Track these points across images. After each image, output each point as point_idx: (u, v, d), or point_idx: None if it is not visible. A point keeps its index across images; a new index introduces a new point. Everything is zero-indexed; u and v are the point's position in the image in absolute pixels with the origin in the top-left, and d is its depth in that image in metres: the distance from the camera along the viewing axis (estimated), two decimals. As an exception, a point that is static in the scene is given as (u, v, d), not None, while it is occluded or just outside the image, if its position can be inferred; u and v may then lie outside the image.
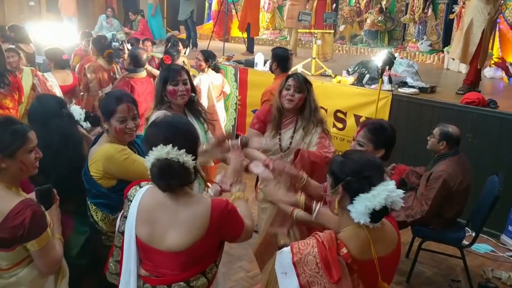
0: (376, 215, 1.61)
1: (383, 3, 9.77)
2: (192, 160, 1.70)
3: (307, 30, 7.38)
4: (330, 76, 6.05)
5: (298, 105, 2.94)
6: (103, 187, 2.25)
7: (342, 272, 1.57)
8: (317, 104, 3.01)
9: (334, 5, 8.96)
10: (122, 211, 1.88)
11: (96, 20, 10.77)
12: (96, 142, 2.35)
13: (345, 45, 10.32)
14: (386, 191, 1.59)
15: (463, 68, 7.45)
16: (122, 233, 1.84)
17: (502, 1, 5.19)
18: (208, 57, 4.90)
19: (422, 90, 5.27)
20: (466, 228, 3.78)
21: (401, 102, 5.09)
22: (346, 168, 1.68)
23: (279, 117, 2.98)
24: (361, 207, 1.61)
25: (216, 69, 5.02)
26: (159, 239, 1.72)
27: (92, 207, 2.34)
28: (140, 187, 1.83)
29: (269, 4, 11.24)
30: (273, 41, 11.06)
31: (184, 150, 1.68)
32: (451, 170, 3.47)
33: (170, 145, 1.66)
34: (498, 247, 4.34)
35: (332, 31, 8.07)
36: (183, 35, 10.06)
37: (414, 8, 9.35)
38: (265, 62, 6.55)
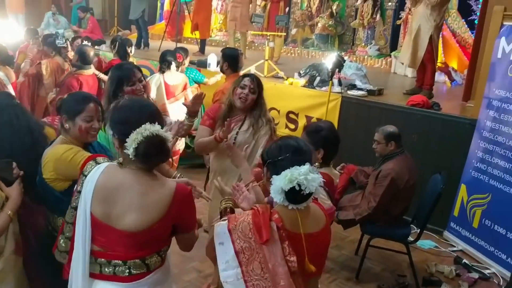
0: (291, 196, 1.71)
1: (334, 8, 9.98)
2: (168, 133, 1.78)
3: (260, 32, 7.46)
4: (283, 78, 6.13)
5: (249, 106, 2.97)
6: (56, 190, 2.15)
7: (271, 235, 1.67)
8: (266, 106, 3.08)
9: (287, 8, 9.10)
10: (75, 186, 1.86)
11: (42, 18, 10.40)
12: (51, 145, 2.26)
13: (296, 49, 10.47)
14: (293, 174, 1.68)
15: (409, 72, 7.77)
16: (75, 208, 1.82)
17: (446, 8, 5.41)
18: (160, 57, 4.83)
19: (370, 92, 5.43)
20: (411, 225, 3.92)
21: (350, 104, 5.22)
22: (269, 152, 1.84)
23: (228, 114, 2.99)
24: (274, 186, 1.73)
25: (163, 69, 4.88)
26: (116, 218, 1.73)
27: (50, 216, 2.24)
28: (97, 162, 1.83)
29: (221, 5, 11.24)
30: (226, 43, 11.01)
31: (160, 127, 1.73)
32: (398, 169, 3.60)
33: (156, 123, 1.71)
34: (441, 243, 4.53)
35: (284, 33, 8.16)
36: (133, 35, 9.90)
37: (363, 13, 9.61)
38: (218, 63, 6.56)
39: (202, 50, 8.65)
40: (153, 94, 4.59)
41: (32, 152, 2.23)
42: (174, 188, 1.77)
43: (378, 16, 9.46)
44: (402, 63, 6.07)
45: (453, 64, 7.75)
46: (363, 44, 9.75)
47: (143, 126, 1.68)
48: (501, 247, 4.04)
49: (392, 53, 8.74)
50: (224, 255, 1.72)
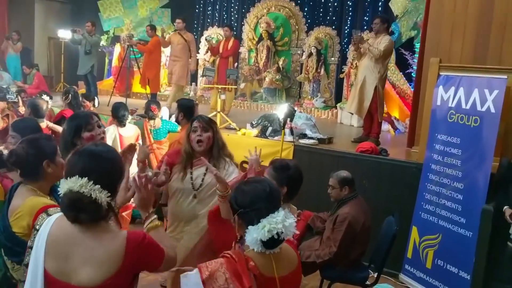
0: (269, 243, 1.72)
1: (280, 63, 10.38)
2: (107, 196, 1.64)
3: (212, 86, 7.61)
4: (235, 129, 6.23)
5: (207, 146, 3.00)
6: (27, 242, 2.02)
7: (251, 281, 1.65)
8: (224, 141, 3.13)
9: (236, 63, 9.36)
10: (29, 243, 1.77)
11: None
12: (13, 195, 2.14)
13: (246, 102, 10.70)
14: (271, 224, 1.69)
15: (355, 122, 8.12)
16: (27, 265, 1.72)
17: (389, 61, 5.80)
18: (113, 109, 4.82)
19: (320, 141, 5.62)
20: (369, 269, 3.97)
21: (302, 152, 5.36)
22: (238, 200, 1.81)
23: (188, 159, 3.01)
24: (250, 237, 1.72)
25: (120, 121, 4.90)
26: (69, 273, 1.63)
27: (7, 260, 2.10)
28: (48, 214, 1.77)
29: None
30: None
31: (100, 185, 1.62)
32: (354, 212, 3.69)
33: (86, 178, 1.61)
34: (398, 286, 4.60)
35: (235, 86, 8.37)
36: (82, 90, 9.79)
37: (308, 68, 10.07)
38: (170, 116, 6.59)
39: (152, 104, 8.67)
40: None
41: None
42: (125, 239, 1.66)
43: (322, 70, 9.94)
44: (350, 113, 6.33)
45: (395, 113, 8.17)
46: (310, 96, 10.13)
47: (74, 178, 1.62)
48: (454, 286, 4.15)
49: (338, 105, 9.13)
50: None
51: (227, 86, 7.49)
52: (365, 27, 9.65)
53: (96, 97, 7.17)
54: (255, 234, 1.69)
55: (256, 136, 5.84)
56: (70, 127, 2.61)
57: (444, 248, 4.28)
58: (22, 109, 4.86)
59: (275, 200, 1.78)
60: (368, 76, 5.63)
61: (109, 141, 4.56)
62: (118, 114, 4.72)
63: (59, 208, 1.77)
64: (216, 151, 3.03)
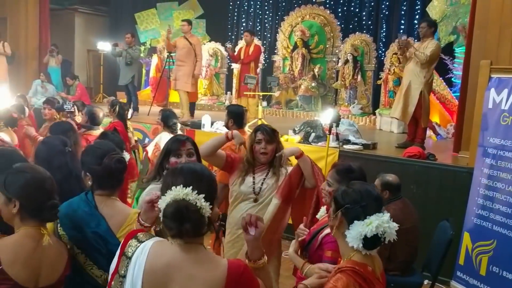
0: (369, 242, 1.74)
1: (316, 70, 10.39)
2: (210, 207, 1.59)
3: (253, 93, 7.64)
4: (277, 135, 6.25)
5: (271, 157, 3.06)
6: None
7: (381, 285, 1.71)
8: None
9: (257, 69, 9.34)
10: (114, 268, 1.68)
11: (27, 86, 10.47)
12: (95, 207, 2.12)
13: (281, 110, 10.74)
14: (378, 221, 1.74)
15: (395, 128, 8.03)
16: None
17: (435, 66, 5.73)
18: (165, 118, 4.89)
19: (365, 146, 5.59)
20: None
21: (347, 158, 5.32)
22: (347, 197, 1.83)
23: (250, 167, 3.06)
24: (355, 232, 1.75)
25: (172, 130, 4.94)
26: None
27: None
28: (139, 241, 1.65)
29: (206, 71, 11.56)
30: (212, 106, 11.30)
31: (203, 196, 1.58)
32: (393, 213, 3.62)
33: (190, 188, 1.57)
34: (449, 293, 4.51)
35: (276, 94, 8.33)
36: (122, 100, 10.01)
37: (344, 75, 10.04)
38: (211, 124, 6.69)
39: (191, 113, 8.78)
40: None
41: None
42: (226, 269, 1.58)
43: (359, 77, 9.88)
44: (395, 118, 6.27)
45: (436, 119, 8.05)
46: (346, 103, 10.09)
47: (177, 187, 1.57)
48: (511, 293, 4.04)
49: (377, 111, 9.06)
50: None
51: (269, 93, 7.51)
52: (401, 32, 9.57)
53: (130, 108, 7.28)
54: (360, 229, 1.73)
55: (299, 142, 5.84)
56: (163, 149, 2.67)
57: (499, 254, 4.17)
58: (78, 118, 5.01)
59: (380, 201, 1.83)
60: (413, 81, 5.57)
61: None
62: (170, 123, 4.79)
63: (148, 233, 1.71)
64: (277, 162, 3.08)
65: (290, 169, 3.12)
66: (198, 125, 6.74)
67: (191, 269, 1.56)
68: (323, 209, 2.52)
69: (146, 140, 7.01)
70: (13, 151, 2.63)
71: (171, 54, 9.12)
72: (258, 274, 1.71)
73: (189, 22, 8.21)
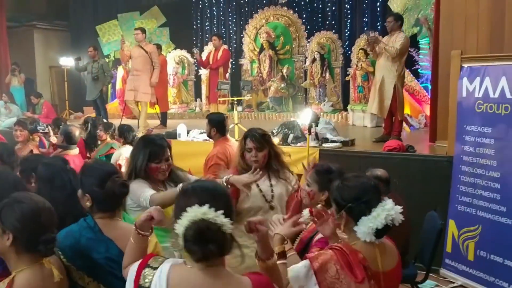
0: (380, 232, 1.77)
1: (284, 71, 10.42)
2: (230, 223, 1.52)
3: (228, 98, 7.57)
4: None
5: (264, 162, 2.99)
6: None
7: (364, 272, 1.69)
8: (279, 151, 3.10)
9: (227, 74, 9.28)
10: None
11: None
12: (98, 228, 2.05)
13: (253, 113, 10.72)
14: (385, 211, 1.76)
15: (368, 123, 8.16)
16: None
17: (405, 59, 5.82)
18: (123, 131, 4.81)
19: (344, 143, 5.63)
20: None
21: (328, 156, 5.35)
22: (345, 196, 1.84)
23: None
24: (365, 227, 1.77)
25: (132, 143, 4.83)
26: None
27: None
28: (153, 268, 1.57)
29: (174, 79, 11.45)
30: (182, 114, 11.20)
31: (222, 212, 1.50)
32: None
33: (207, 205, 1.50)
34: (440, 281, 4.58)
35: (248, 97, 8.31)
36: (86, 117, 9.78)
37: (312, 73, 10.11)
38: (187, 132, 6.60)
39: (164, 123, 8.68)
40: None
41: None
42: (250, 286, 1.56)
43: (327, 74, 9.97)
44: (374, 113, 6.35)
45: (407, 110, 8.19)
46: (317, 102, 10.16)
47: (193, 207, 1.50)
48: (500, 276, 4.13)
49: (348, 107, 9.16)
50: None
51: (242, 98, 7.49)
52: (365, 28, 9.71)
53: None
54: (370, 224, 1.74)
55: (278, 144, 5.81)
56: (145, 153, 2.68)
57: (486, 239, 4.27)
58: (53, 139, 4.85)
59: (379, 191, 1.85)
60: (386, 75, 5.66)
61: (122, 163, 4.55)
62: (129, 137, 4.72)
63: (157, 258, 1.65)
64: (275, 163, 3.02)
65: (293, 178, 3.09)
66: (173, 135, 6.63)
67: None
68: (306, 212, 2.40)
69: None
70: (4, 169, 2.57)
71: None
72: (270, 275, 1.69)
73: (143, 30, 7.92)
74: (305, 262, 1.73)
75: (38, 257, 1.80)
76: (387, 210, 1.76)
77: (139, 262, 1.63)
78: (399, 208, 1.80)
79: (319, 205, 2.21)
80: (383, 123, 6.28)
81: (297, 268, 1.73)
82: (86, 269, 1.98)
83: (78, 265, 1.97)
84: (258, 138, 2.98)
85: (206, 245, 1.47)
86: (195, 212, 1.47)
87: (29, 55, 12.60)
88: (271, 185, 3.00)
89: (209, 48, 11.10)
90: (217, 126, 4.14)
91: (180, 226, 1.49)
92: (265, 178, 2.99)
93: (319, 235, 2.17)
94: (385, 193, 3.69)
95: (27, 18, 12.65)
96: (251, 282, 1.56)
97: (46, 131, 4.88)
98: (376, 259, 1.76)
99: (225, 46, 9.08)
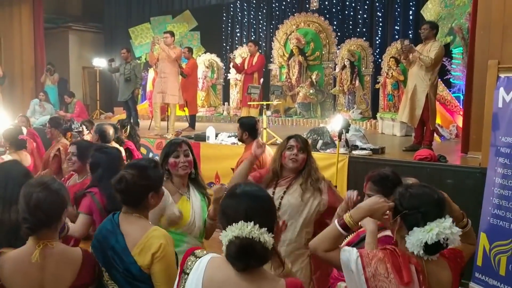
0: (430, 248, 1.71)
1: (313, 77, 10.41)
2: (272, 237, 1.57)
3: (256, 102, 7.62)
4: (283, 144, 6.23)
5: (301, 166, 2.98)
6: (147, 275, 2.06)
7: (412, 277, 1.66)
8: (316, 165, 3.06)
9: (261, 79, 9.33)
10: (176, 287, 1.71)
11: (23, 106, 10.41)
12: (118, 226, 2.12)
13: (280, 118, 10.74)
14: (439, 228, 1.70)
15: (397, 131, 8.06)
16: None
17: (439, 68, 5.74)
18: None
19: (374, 151, 5.59)
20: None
21: (357, 163, 5.33)
22: (404, 202, 1.79)
23: (274, 178, 3.00)
24: (414, 239, 1.72)
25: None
26: None
27: None
28: (196, 257, 1.67)
29: (203, 83, 11.56)
30: (210, 118, 11.29)
31: (266, 228, 1.54)
32: None
33: (252, 222, 1.53)
34: (470, 295, 4.48)
35: (274, 102, 8.33)
36: (117, 117, 9.97)
37: (342, 80, 10.07)
38: (216, 135, 6.66)
39: (192, 126, 8.77)
40: None
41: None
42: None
43: (357, 82, 9.92)
44: (404, 122, 6.28)
45: (438, 120, 8.07)
46: (345, 109, 10.11)
47: (239, 223, 1.54)
48: (533, 292, 4.03)
49: (378, 115, 9.08)
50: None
51: (271, 102, 7.50)
52: (397, 36, 9.64)
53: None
54: (420, 236, 1.70)
55: (307, 150, 5.82)
56: (162, 153, 2.79)
57: (519, 253, 4.17)
58: (87, 138, 4.95)
59: (442, 206, 1.78)
60: (418, 84, 5.58)
61: None
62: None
63: (204, 250, 1.73)
64: (306, 172, 2.97)
65: (324, 186, 3.01)
66: (202, 138, 6.70)
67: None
68: None
69: (150, 155, 6.96)
70: (14, 164, 2.63)
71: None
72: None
73: (172, 33, 7.99)
74: (357, 256, 1.74)
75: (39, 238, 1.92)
76: (443, 228, 1.69)
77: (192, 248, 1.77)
78: (458, 230, 1.74)
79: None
80: (413, 132, 6.20)
81: (349, 251, 1.75)
82: (100, 260, 2.07)
83: (97, 256, 2.08)
84: (303, 140, 3.05)
85: (248, 261, 1.54)
86: (240, 230, 1.52)
87: (64, 56, 12.94)
88: (284, 192, 2.96)
89: (238, 52, 11.21)
90: (249, 130, 4.16)
91: (224, 237, 1.55)
92: (284, 187, 2.98)
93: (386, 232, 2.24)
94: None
95: (63, 20, 13.01)
96: (285, 284, 1.58)
97: (80, 129, 4.98)
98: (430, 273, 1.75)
99: (261, 53, 9.10)
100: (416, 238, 1.71)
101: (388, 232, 2.20)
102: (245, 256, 1.53)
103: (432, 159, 4.95)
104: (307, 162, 3.00)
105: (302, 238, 2.96)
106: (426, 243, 1.69)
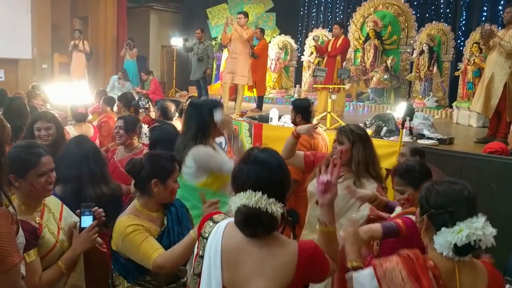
0: (461, 249, 1.58)
1: (388, 62, 10.03)
2: (281, 207, 1.58)
3: (323, 86, 7.47)
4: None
5: (345, 158, 2.79)
6: (122, 257, 2.17)
7: (432, 283, 1.54)
8: (368, 157, 2.80)
9: (344, 62, 9.12)
10: (196, 251, 1.76)
11: (105, 81, 11.02)
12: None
13: (352, 102, 10.49)
14: (469, 229, 1.56)
15: (474, 122, 7.56)
16: (198, 275, 1.70)
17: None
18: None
19: (441, 141, 5.30)
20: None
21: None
22: (431, 200, 1.66)
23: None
24: (442, 240, 1.59)
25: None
26: (239, 284, 1.59)
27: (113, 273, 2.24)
28: (215, 221, 1.71)
29: (275, 64, 11.54)
30: (280, 100, 11.27)
31: (275, 198, 1.56)
32: None
33: (260, 192, 1.55)
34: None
35: (345, 86, 8.14)
36: (191, 94, 10.25)
37: (419, 66, 9.60)
38: (279, 117, 6.65)
39: (259, 106, 8.81)
40: None
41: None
42: (296, 251, 1.59)
43: (435, 68, 9.41)
44: (478, 112, 5.88)
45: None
46: (420, 96, 9.66)
47: (247, 192, 1.56)
48: None
49: (454, 104, 8.57)
50: None
51: (339, 86, 7.34)
52: (483, 20, 8.95)
53: None
54: (449, 237, 1.57)
55: (370, 136, 5.64)
56: (205, 111, 2.90)
57: None
58: (153, 114, 5.17)
59: (473, 204, 1.63)
60: (496, 72, 5.17)
61: None
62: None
63: (222, 215, 1.77)
64: (354, 165, 2.76)
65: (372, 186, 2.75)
66: (266, 119, 6.72)
67: (261, 254, 1.58)
68: (398, 209, 2.37)
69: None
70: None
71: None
72: (329, 241, 1.70)
73: (246, 14, 7.99)
74: (370, 270, 1.65)
75: None
76: (473, 229, 1.55)
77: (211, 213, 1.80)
78: (492, 231, 1.59)
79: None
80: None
81: (362, 275, 1.66)
82: None
83: None
84: (343, 130, 2.87)
85: (254, 228, 1.58)
86: (248, 199, 1.55)
87: (145, 35, 13.50)
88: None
89: (314, 34, 11.01)
90: (302, 112, 4.08)
91: (233, 204, 1.59)
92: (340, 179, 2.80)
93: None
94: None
95: (146, 0, 13.53)
96: (297, 246, 1.61)
97: (147, 106, 5.19)
98: (453, 276, 1.58)
99: (328, 34, 8.90)
100: (444, 240, 1.58)
101: (412, 216, 2.08)
102: (252, 224, 1.57)
103: (503, 152, 4.60)
104: (353, 155, 2.79)
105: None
106: (455, 244, 1.57)
